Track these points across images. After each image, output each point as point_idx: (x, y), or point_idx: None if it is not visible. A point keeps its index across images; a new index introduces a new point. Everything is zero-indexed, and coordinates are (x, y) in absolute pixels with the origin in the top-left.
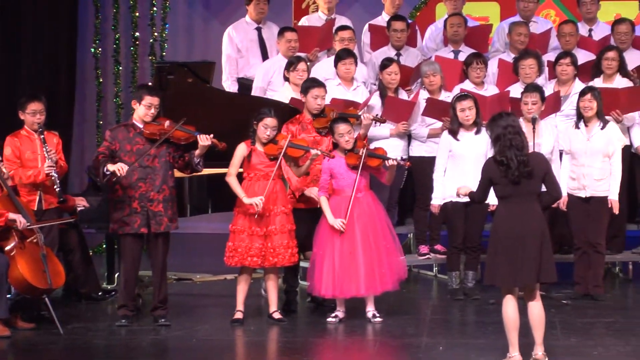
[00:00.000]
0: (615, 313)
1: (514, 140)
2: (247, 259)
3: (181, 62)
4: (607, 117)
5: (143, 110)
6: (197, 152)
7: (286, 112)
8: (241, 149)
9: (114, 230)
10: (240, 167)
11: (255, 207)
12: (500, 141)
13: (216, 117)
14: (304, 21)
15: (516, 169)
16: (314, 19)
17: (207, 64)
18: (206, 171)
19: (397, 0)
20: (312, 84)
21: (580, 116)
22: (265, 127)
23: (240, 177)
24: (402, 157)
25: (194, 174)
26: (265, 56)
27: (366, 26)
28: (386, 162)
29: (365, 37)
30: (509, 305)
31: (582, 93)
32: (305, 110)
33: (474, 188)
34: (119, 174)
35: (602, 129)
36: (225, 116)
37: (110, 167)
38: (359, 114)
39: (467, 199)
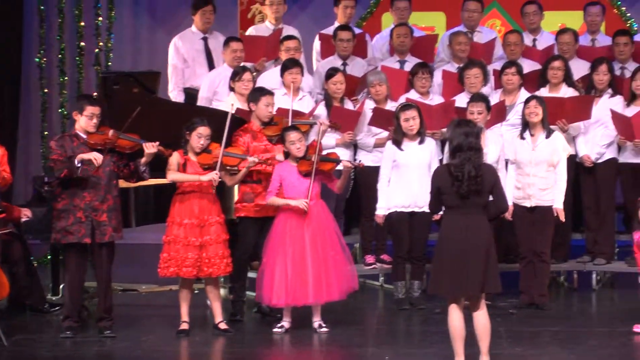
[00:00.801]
0: (560, 322)
1: (473, 156)
2: (182, 270)
3: (127, 72)
4: (552, 127)
5: (85, 120)
6: (142, 160)
7: (233, 123)
8: (176, 157)
9: (57, 240)
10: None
11: (213, 182)
12: (459, 153)
13: (162, 127)
14: (251, 31)
15: (467, 185)
16: (262, 29)
17: (153, 74)
18: (152, 181)
19: (349, 10)
20: (262, 92)
21: (525, 126)
22: (199, 136)
23: (172, 189)
24: (355, 159)
25: (140, 182)
26: (211, 66)
27: (318, 35)
28: (342, 163)
29: (318, 46)
30: (455, 315)
31: (527, 101)
32: (255, 119)
33: (418, 197)
34: (95, 164)
35: (547, 138)
36: (172, 126)
37: (85, 156)
38: (313, 120)
39: (411, 209)
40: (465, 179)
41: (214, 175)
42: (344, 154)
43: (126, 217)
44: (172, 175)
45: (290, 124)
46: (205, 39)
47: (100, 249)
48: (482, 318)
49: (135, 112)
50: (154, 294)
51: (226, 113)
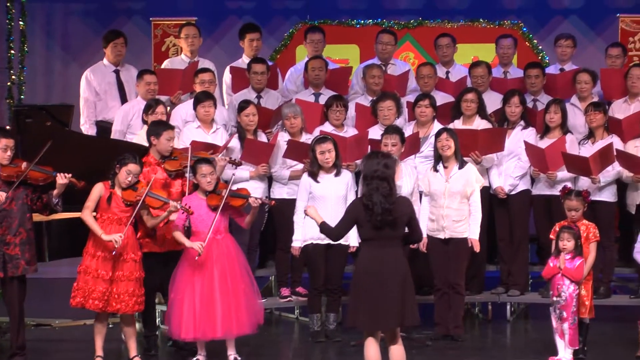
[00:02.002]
0: (474, 353)
1: (380, 186)
2: (89, 302)
3: (39, 105)
4: (465, 159)
5: None
6: (55, 191)
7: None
8: (98, 189)
9: None
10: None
11: (114, 244)
12: (366, 182)
13: (75, 160)
14: (166, 64)
15: (379, 214)
16: (177, 62)
17: (65, 107)
18: (66, 215)
19: (254, 42)
20: (164, 126)
21: (438, 158)
22: (129, 172)
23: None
24: (266, 196)
25: (54, 216)
26: (124, 99)
27: (227, 68)
28: (250, 200)
29: (228, 79)
30: (371, 348)
31: (438, 134)
32: (155, 153)
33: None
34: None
35: (460, 169)
36: (84, 159)
37: None
38: (213, 156)
39: (327, 241)
40: (378, 210)
41: (116, 237)
42: (258, 187)
43: (40, 252)
44: (85, 216)
45: (189, 158)
46: (117, 72)
47: (11, 282)
48: (398, 351)
49: (47, 145)
50: (68, 329)
51: (140, 146)
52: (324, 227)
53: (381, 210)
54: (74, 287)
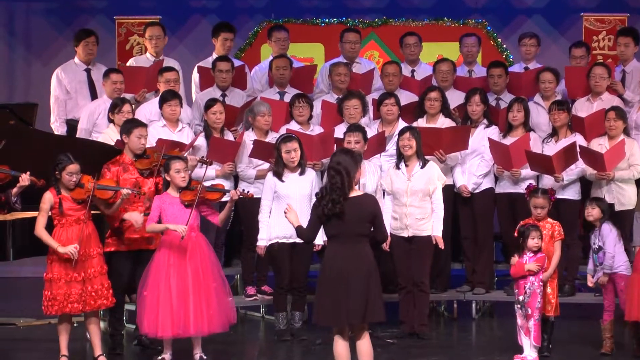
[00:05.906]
0: (440, 351)
1: (333, 178)
2: (68, 306)
3: (2, 104)
4: (429, 158)
5: None
6: (14, 190)
7: (111, 154)
8: (47, 199)
9: None
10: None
11: (71, 256)
12: (327, 175)
13: (39, 159)
14: (131, 62)
15: (324, 206)
16: (142, 61)
17: (29, 106)
18: (30, 214)
19: (228, 42)
20: (134, 124)
21: (400, 156)
22: (70, 174)
23: (50, 224)
24: (243, 190)
25: (17, 214)
26: (94, 97)
27: (196, 67)
28: (231, 193)
29: (196, 78)
30: (339, 345)
31: (401, 132)
32: (127, 151)
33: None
34: None
35: (422, 167)
36: (49, 158)
37: None
38: (185, 155)
39: (292, 240)
40: (324, 200)
41: (71, 249)
42: (225, 185)
43: (3, 251)
44: (39, 232)
45: (162, 156)
46: (88, 71)
47: None
48: (365, 347)
49: (2, 143)
50: (32, 328)
51: (104, 145)
52: (299, 231)
53: (326, 201)
54: (46, 296)
